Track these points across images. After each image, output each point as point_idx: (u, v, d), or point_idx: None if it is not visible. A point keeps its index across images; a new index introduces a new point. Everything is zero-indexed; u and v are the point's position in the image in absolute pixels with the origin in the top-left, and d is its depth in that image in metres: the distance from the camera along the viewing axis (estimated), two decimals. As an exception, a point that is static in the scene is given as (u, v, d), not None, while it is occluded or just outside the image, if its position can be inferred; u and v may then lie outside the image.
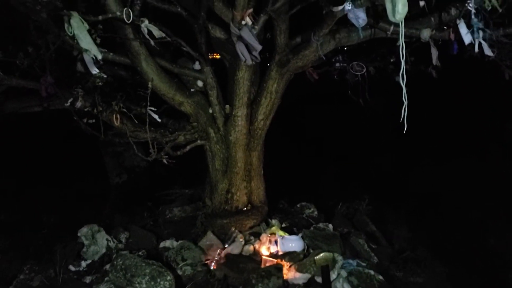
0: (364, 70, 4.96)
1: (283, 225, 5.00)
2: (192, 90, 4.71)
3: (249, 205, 5.00)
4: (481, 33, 3.53)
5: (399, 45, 3.43)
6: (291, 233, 4.70)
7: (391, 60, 5.05)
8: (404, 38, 3.37)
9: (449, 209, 5.60)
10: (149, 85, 4.03)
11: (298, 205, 5.55)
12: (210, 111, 4.77)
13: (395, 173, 7.01)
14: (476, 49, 3.60)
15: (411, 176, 6.77)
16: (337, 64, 5.16)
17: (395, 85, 4.54)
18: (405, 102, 3.36)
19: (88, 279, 4.26)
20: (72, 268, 4.43)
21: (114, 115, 4.22)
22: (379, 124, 8.21)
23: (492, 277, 4.29)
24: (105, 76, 4.14)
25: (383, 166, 7.34)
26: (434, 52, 4.09)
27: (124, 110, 4.23)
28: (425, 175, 6.72)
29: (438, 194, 6.01)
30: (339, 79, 5.35)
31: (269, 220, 5.06)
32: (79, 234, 4.71)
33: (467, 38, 3.55)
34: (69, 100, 4.13)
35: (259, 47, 3.67)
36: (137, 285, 3.62)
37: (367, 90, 5.20)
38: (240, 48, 3.69)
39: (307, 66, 4.56)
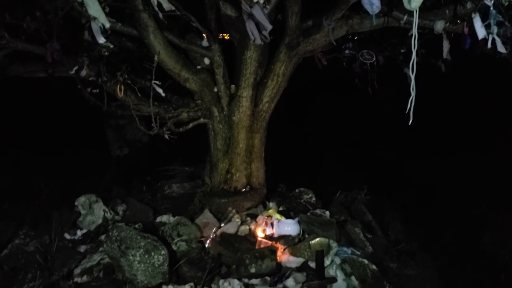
0: (374, 59, 4.90)
1: (280, 208, 4.99)
2: (198, 67, 4.66)
3: (248, 186, 4.98)
4: (495, 28, 3.49)
5: (411, 35, 3.39)
6: (287, 217, 4.70)
7: (402, 51, 4.98)
8: (417, 29, 3.34)
9: (448, 204, 5.59)
10: (155, 58, 3.99)
11: (297, 190, 5.54)
12: (215, 90, 4.72)
13: (397, 164, 6.99)
14: (489, 45, 3.56)
15: (412, 168, 6.75)
16: (347, 51, 5.10)
17: (404, 76, 4.53)
18: (413, 94, 3.35)
19: (82, 248, 4.28)
20: (67, 236, 4.46)
21: (118, 86, 4.20)
22: (385, 115, 8.17)
23: (484, 274, 4.30)
24: (111, 46, 4.11)
25: (385, 157, 7.32)
26: (446, 45, 4.05)
27: (129, 81, 4.20)
28: (427, 168, 6.69)
29: (438, 188, 6.00)
30: (347, 66, 5.30)
31: (267, 202, 5.06)
32: (76, 203, 4.73)
33: (481, 33, 3.51)
34: (74, 68, 4.10)
35: (269, 27, 3.61)
36: (131, 257, 3.62)
37: (375, 79, 5.16)
38: (250, 26, 3.63)
39: (317, 51, 4.51)
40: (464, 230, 4.98)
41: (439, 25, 3.72)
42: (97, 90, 4.33)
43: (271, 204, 5.00)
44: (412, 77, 3.32)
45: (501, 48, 3.55)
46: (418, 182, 6.23)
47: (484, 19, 3.47)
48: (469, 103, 8.68)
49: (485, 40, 3.54)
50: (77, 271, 3.84)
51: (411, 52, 3.38)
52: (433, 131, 7.94)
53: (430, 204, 5.67)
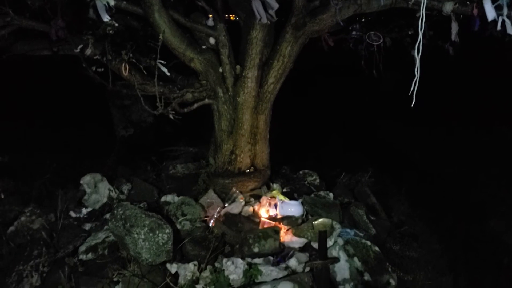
0: (381, 40, 4.84)
1: (284, 190, 5.01)
2: (203, 47, 4.62)
3: (252, 167, 4.99)
4: (506, 10, 3.42)
5: (419, 16, 3.35)
6: (291, 198, 4.71)
7: (409, 33, 4.92)
8: (425, 10, 3.29)
9: (453, 187, 5.59)
10: (160, 37, 3.96)
11: (301, 172, 5.55)
12: (220, 70, 4.68)
13: (401, 147, 6.98)
14: (499, 27, 3.50)
15: (417, 151, 6.74)
16: (354, 33, 5.04)
17: (411, 60, 4.48)
18: (417, 75, 3.32)
19: (87, 226, 4.32)
20: (72, 214, 4.50)
21: (123, 65, 4.18)
22: (391, 98, 8.14)
23: (487, 257, 4.31)
24: (116, 24, 4.08)
25: (389, 140, 7.30)
26: (455, 27, 3.97)
27: (134, 61, 4.17)
28: (432, 151, 6.68)
29: (443, 171, 5.99)
30: (354, 48, 5.24)
31: (271, 184, 5.08)
32: (81, 182, 4.76)
33: (490, 14, 3.44)
34: (79, 46, 4.08)
35: (276, 5, 3.57)
36: (136, 235, 3.64)
37: (381, 62, 5.11)
38: (256, 5, 3.59)
39: (323, 31, 4.46)
40: (469, 214, 4.99)
41: (448, 7, 3.65)
42: (102, 69, 4.32)
43: (274, 186, 5.02)
44: (418, 58, 3.29)
45: (510, 30, 3.49)
46: (423, 166, 6.23)
47: (494, 0, 3.41)
48: (477, 86, 8.62)
49: (494, 22, 3.48)
50: (82, 248, 3.88)
51: (419, 34, 3.35)
52: (440, 115, 7.90)
53: (434, 187, 5.67)
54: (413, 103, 3.29)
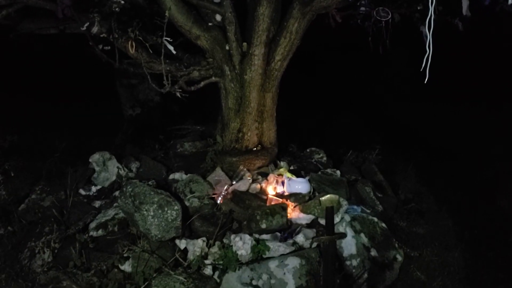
0: (389, 16, 4.77)
1: (291, 167, 5.03)
2: (210, 24, 4.58)
3: (259, 145, 5.00)
4: (517, -17, 3.36)
5: (429, -9, 3.28)
6: (298, 176, 4.72)
7: (418, 8, 4.84)
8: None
9: (460, 165, 5.57)
10: (166, 14, 3.93)
11: (308, 150, 5.56)
12: (227, 47, 4.65)
13: (409, 125, 6.95)
14: (510, 1, 3.44)
15: (425, 129, 6.71)
16: (362, 8, 4.97)
17: (419, 36, 4.42)
18: (429, 51, 3.27)
19: (97, 204, 4.38)
20: (82, 192, 4.56)
21: (130, 43, 4.17)
22: (398, 75, 8.07)
23: (494, 234, 4.33)
24: (122, 2, 4.04)
25: (397, 117, 7.27)
26: (465, 2, 3.92)
27: (140, 38, 4.15)
28: (440, 129, 6.65)
29: (452, 149, 5.97)
30: (362, 24, 5.18)
31: (278, 162, 5.09)
32: (90, 160, 4.80)
33: (502, -12, 3.39)
34: (85, 25, 4.07)
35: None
36: (145, 212, 3.69)
37: (389, 39, 5.05)
38: (263, -20, 3.55)
39: (331, 7, 4.39)
40: (476, 191, 4.99)
41: (458, -20, 3.60)
42: (109, 47, 4.30)
43: (282, 163, 5.03)
44: (429, 34, 3.24)
45: (522, 4, 3.43)
46: (431, 143, 6.21)
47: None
48: (487, 62, 8.50)
49: (507, -4, 3.42)
50: (93, 225, 3.94)
51: (428, 9, 3.29)
52: (448, 92, 7.82)
53: (441, 165, 5.66)
54: (426, 79, 3.24)
